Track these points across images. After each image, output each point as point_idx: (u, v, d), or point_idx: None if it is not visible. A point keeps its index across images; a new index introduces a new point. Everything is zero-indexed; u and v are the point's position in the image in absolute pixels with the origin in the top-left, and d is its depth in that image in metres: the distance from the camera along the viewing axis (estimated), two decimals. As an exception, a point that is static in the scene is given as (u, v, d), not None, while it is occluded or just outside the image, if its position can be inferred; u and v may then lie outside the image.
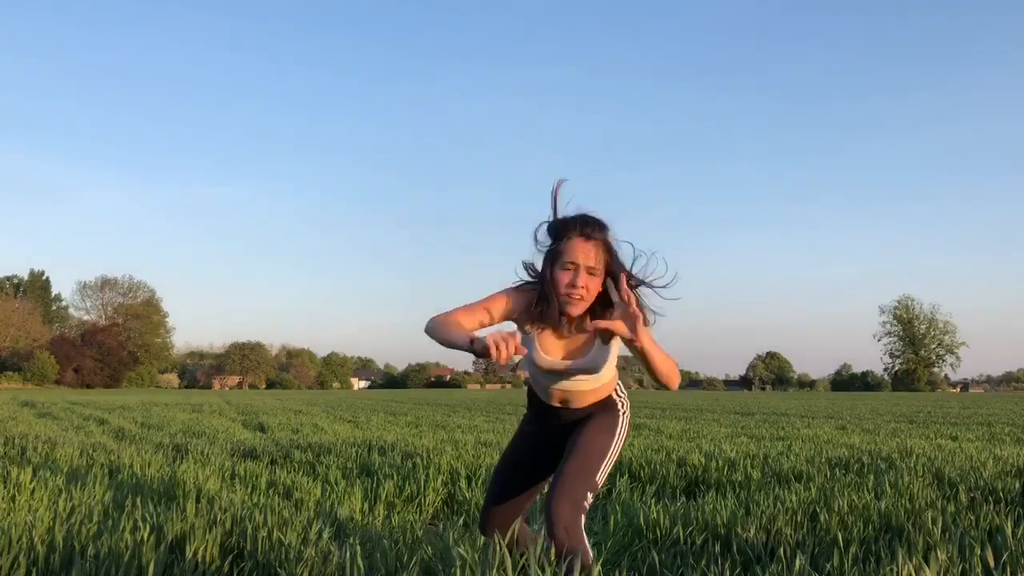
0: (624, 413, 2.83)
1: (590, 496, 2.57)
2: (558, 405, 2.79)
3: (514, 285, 2.66)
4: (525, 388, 2.89)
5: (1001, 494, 4.90)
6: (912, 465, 6.26)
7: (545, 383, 2.75)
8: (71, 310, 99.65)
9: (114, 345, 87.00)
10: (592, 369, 2.66)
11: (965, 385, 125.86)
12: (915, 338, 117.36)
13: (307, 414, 18.74)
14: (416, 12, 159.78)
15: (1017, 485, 5.09)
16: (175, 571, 3.23)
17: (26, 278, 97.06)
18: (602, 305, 2.58)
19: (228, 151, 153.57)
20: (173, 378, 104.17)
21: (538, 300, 2.60)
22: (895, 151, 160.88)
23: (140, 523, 3.69)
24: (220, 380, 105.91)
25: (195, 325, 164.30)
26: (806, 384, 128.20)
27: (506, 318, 2.63)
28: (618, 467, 6.54)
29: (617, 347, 2.68)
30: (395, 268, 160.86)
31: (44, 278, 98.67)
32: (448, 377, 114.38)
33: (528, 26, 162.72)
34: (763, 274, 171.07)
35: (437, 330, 2.48)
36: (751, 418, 18.18)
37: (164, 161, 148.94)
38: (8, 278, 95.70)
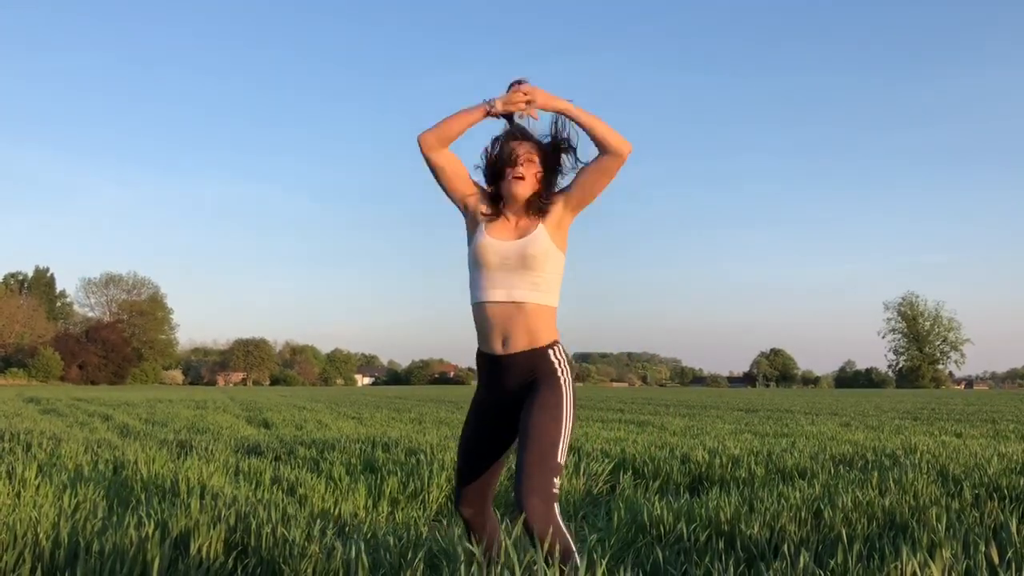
0: (566, 381, 2.81)
1: (556, 481, 2.62)
2: (500, 350, 2.79)
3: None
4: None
5: (1006, 491, 4.89)
6: (916, 462, 6.25)
7: (484, 298, 2.80)
8: (75, 307, 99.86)
9: (118, 342, 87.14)
10: (535, 251, 2.75)
11: (969, 382, 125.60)
12: (919, 335, 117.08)
13: (311, 410, 18.77)
14: (416, 11, 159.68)
15: (1022, 482, 5.08)
16: (179, 567, 3.23)
17: (31, 275, 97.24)
18: (539, 204, 2.82)
19: (233, 148, 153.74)
20: (177, 375, 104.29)
21: (490, 183, 2.90)
22: (900, 147, 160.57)
23: (144, 519, 3.70)
24: (224, 376, 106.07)
25: (199, 322, 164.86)
26: (810, 381, 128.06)
27: (468, 188, 2.90)
28: (621, 464, 6.54)
29: (554, 233, 2.80)
30: (399, 265, 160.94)
31: (49, 275, 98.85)
32: (452, 374, 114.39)
33: (533, 20, 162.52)
34: (767, 271, 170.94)
35: (443, 122, 2.81)
36: (755, 415, 18.17)
37: (169, 158, 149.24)
38: (13, 275, 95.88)
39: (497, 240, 2.78)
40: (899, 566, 2.91)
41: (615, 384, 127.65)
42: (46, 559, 3.26)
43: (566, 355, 2.88)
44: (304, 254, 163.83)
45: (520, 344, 2.77)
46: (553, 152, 2.84)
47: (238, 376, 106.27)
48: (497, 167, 2.84)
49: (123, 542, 3.28)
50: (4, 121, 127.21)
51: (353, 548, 3.16)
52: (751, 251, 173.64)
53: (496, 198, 2.86)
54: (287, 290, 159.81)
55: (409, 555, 3.22)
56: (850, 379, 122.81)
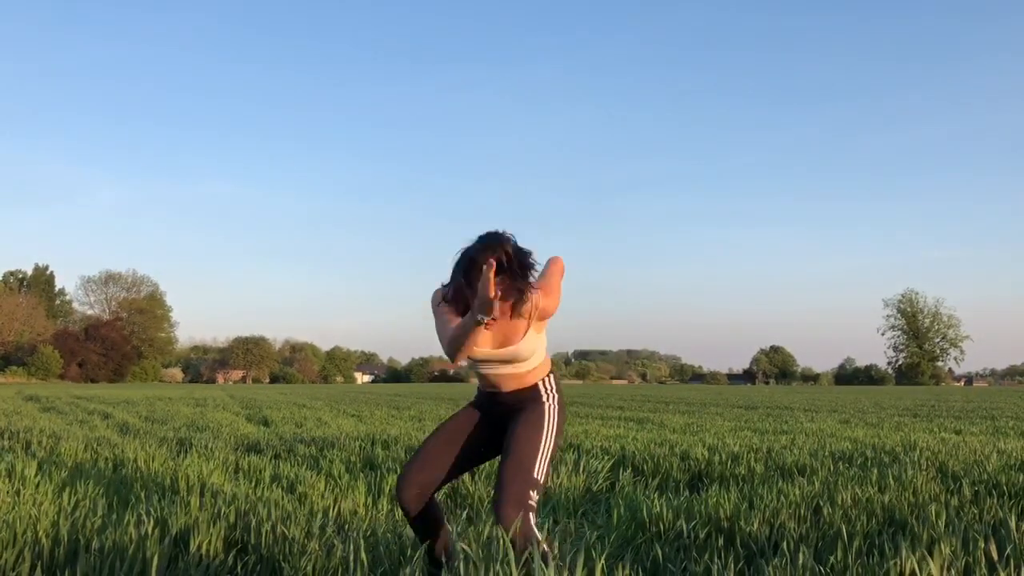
0: (551, 404, 3.05)
1: (534, 494, 2.75)
2: (491, 390, 3.10)
3: (441, 296, 3.09)
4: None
5: (1005, 488, 4.89)
6: (916, 459, 6.25)
7: (480, 370, 3.09)
8: (75, 305, 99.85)
9: (118, 339, 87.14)
10: (513, 355, 3.00)
11: (969, 379, 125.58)
12: (919, 332, 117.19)
13: (310, 408, 18.77)
14: (416, 9, 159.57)
15: (1021, 479, 5.08)
16: (179, 565, 3.23)
17: (30, 273, 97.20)
18: (510, 297, 2.94)
19: (232, 146, 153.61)
20: (177, 372, 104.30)
21: (453, 290, 3.04)
22: (899, 144, 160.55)
23: (144, 517, 3.70)
24: (224, 374, 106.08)
25: (199, 320, 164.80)
26: (809, 378, 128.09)
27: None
28: (621, 461, 6.55)
29: (533, 336, 3.01)
30: (399, 262, 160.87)
31: (48, 273, 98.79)
32: (452, 371, 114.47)
33: (530, 19, 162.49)
34: (767, 268, 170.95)
35: (453, 339, 2.88)
36: (754, 412, 18.18)
37: (168, 157, 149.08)
38: (12, 273, 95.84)
39: (483, 349, 2.99)
40: (898, 563, 2.91)
41: (615, 381, 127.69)
42: (46, 557, 3.26)
43: (556, 384, 3.16)
44: (304, 251, 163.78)
45: (509, 388, 3.08)
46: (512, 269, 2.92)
47: (238, 374, 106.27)
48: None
49: (123, 540, 3.29)
50: (3, 120, 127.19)
51: (352, 546, 3.16)
52: (750, 248, 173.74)
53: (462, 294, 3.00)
54: (287, 288, 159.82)
55: (408, 552, 3.22)
56: (850, 376, 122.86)
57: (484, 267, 2.71)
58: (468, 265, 2.94)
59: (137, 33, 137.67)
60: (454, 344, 2.89)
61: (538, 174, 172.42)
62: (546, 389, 3.08)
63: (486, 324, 2.77)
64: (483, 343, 2.99)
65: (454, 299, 3.03)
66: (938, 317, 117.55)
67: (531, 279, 2.98)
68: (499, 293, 2.82)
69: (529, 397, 3.05)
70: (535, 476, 2.80)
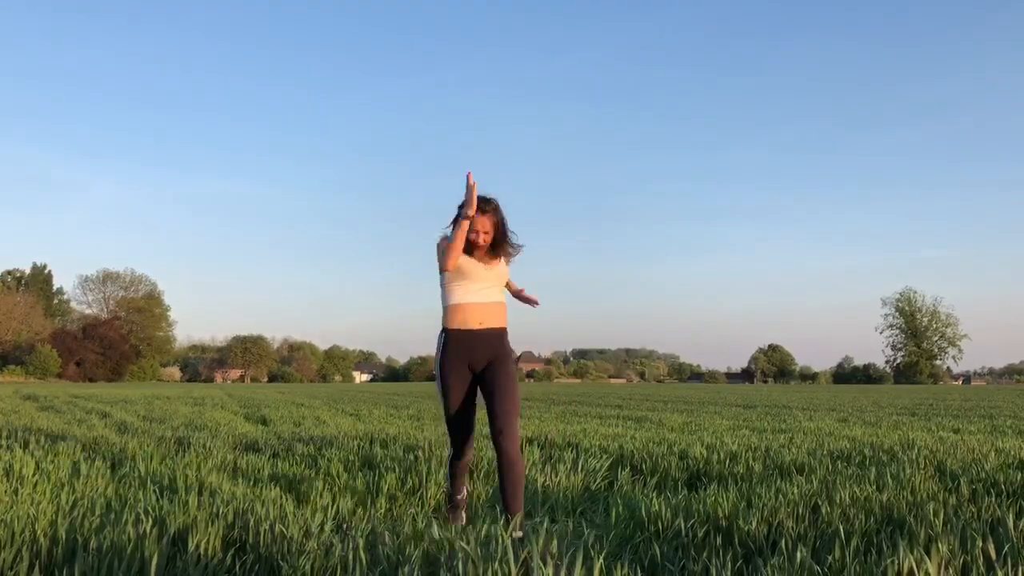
0: (516, 361, 4.33)
1: (519, 422, 3.81)
2: (478, 327, 4.17)
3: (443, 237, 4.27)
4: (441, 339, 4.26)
5: (1003, 486, 4.89)
6: (914, 457, 6.26)
7: (475, 299, 4.18)
8: (73, 304, 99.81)
9: (116, 339, 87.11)
10: (500, 275, 4.28)
11: (967, 378, 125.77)
12: (917, 330, 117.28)
13: (309, 407, 18.76)
14: (416, 8, 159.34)
15: (1019, 477, 5.08)
16: (177, 564, 3.23)
17: (28, 272, 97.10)
18: (493, 247, 4.26)
19: (230, 145, 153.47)
20: (175, 371, 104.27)
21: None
22: (898, 142, 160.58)
23: (142, 516, 3.69)
24: (222, 373, 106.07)
25: (197, 319, 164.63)
26: (808, 377, 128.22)
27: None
28: (619, 460, 6.56)
29: (507, 271, 4.36)
30: (398, 261, 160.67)
31: (46, 272, 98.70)
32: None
33: (526, 18, 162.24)
34: (765, 267, 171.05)
35: (450, 242, 4.06)
36: (753, 411, 18.19)
37: (166, 155, 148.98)
38: (10, 272, 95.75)
39: (479, 263, 4.22)
40: (896, 561, 2.91)
41: (613, 380, 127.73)
42: (44, 556, 3.26)
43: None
44: (303, 251, 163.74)
45: (493, 324, 4.21)
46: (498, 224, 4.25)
47: (236, 373, 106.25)
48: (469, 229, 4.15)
49: (121, 539, 3.28)
50: (2, 119, 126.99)
51: (351, 545, 3.16)
52: (749, 247, 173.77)
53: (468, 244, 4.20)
54: (285, 287, 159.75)
55: (407, 551, 3.22)
56: (848, 375, 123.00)
57: (470, 179, 3.93)
58: (464, 202, 4.04)
59: (136, 32, 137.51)
60: (451, 245, 4.03)
61: (538, 173, 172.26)
62: (508, 341, 4.29)
63: (471, 219, 4.01)
64: (476, 270, 4.18)
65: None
66: (936, 316, 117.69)
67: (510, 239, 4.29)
68: (487, 234, 4.19)
69: (501, 344, 4.20)
70: (519, 412, 4.17)
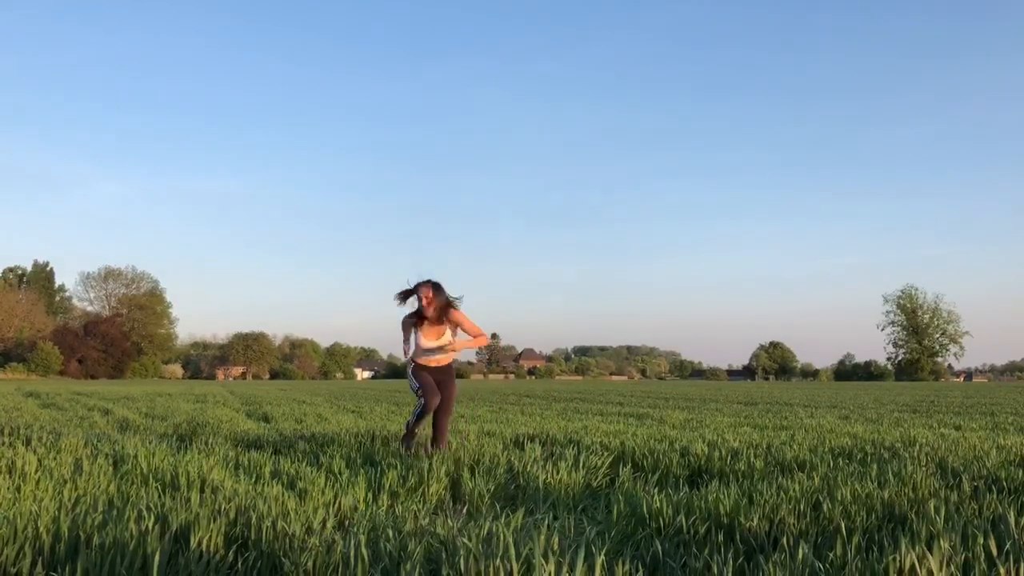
0: (455, 381, 7.11)
1: (455, 408, 7.52)
2: (434, 364, 6.80)
3: (406, 316, 6.84)
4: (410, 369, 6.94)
5: (1004, 483, 4.89)
6: (915, 454, 6.26)
7: (431, 355, 6.79)
8: (75, 301, 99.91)
9: (118, 336, 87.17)
10: (444, 337, 6.77)
11: (969, 375, 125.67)
12: (919, 328, 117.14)
13: (311, 404, 18.78)
14: (415, 7, 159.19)
15: (1021, 474, 5.08)
16: (179, 561, 3.24)
17: (30, 269, 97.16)
18: (439, 313, 6.69)
19: (232, 143, 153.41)
20: (177, 368, 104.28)
21: (415, 315, 6.76)
22: (898, 141, 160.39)
23: (144, 513, 3.69)
24: (224, 370, 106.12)
25: (199, 316, 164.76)
26: (809, 374, 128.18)
27: (412, 327, 6.83)
28: (621, 457, 6.57)
29: (449, 335, 6.80)
30: (398, 260, 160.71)
31: (48, 269, 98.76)
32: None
33: (524, 16, 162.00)
34: (767, 264, 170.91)
35: (404, 345, 6.94)
36: (754, 408, 18.19)
37: (167, 153, 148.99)
38: (12, 269, 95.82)
39: (431, 340, 6.77)
40: (898, 558, 2.91)
41: (614, 377, 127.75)
42: (47, 553, 3.26)
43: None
44: (304, 248, 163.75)
45: (445, 363, 6.91)
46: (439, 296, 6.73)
47: (238, 370, 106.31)
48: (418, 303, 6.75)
49: (123, 536, 3.29)
50: (3, 118, 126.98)
51: (352, 541, 3.16)
52: (750, 244, 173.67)
53: (419, 315, 6.74)
54: (287, 284, 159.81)
55: (409, 547, 3.23)
56: (849, 372, 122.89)
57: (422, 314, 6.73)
58: (413, 290, 6.71)
59: (136, 30, 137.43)
60: (403, 342, 6.84)
61: (537, 172, 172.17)
62: (453, 367, 7.05)
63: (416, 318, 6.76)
64: (430, 337, 6.75)
65: (413, 316, 6.79)
66: (938, 313, 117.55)
67: (454, 305, 6.76)
68: (435, 311, 6.66)
69: (448, 371, 6.93)
70: (454, 402, 6.99)
